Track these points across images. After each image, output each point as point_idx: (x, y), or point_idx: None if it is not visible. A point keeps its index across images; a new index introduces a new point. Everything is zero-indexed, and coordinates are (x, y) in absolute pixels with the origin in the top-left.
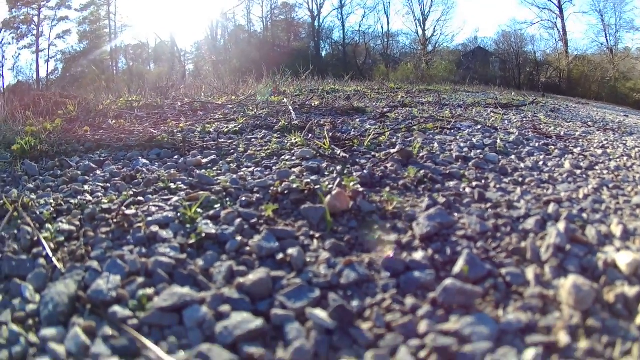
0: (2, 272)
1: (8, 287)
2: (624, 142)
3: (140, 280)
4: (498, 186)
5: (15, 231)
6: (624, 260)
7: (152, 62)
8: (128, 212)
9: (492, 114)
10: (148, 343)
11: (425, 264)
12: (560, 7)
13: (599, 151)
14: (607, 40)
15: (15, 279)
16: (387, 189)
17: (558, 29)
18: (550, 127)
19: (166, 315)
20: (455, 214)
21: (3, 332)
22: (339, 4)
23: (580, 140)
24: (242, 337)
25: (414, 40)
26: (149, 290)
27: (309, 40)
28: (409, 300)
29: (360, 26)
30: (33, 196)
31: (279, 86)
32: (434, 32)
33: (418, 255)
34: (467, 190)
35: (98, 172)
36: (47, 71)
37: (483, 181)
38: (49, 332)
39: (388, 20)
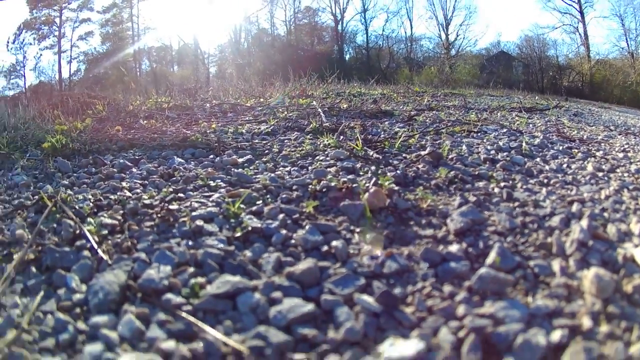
0: (44, 263)
1: (51, 278)
2: None
3: (191, 270)
4: (524, 187)
5: (54, 225)
6: (638, 253)
7: (176, 64)
8: (172, 207)
9: (516, 118)
10: (205, 327)
11: (460, 256)
12: (581, 12)
13: (620, 155)
14: (627, 44)
15: (58, 270)
16: (420, 188)
17: (580, 34)
18: (574, 130)
19: (220, 302)
20: (486, 212)
21: (48, 320)
22: (362, 8)
23: (602, 144)
24: (295, 319)
25: (437, 45)
26: (201, 279)
27: (332, 44)
28: (447, 288)
29: (383, 30)
30: (70, 192)
31: (306, 89)
32: (457, 36)
33: (453, 248)
34: (496, 190)
35: (134, 169)
36: (70, 72)
37: (510, 182)
38: (100, 319)
39: (411, 24)
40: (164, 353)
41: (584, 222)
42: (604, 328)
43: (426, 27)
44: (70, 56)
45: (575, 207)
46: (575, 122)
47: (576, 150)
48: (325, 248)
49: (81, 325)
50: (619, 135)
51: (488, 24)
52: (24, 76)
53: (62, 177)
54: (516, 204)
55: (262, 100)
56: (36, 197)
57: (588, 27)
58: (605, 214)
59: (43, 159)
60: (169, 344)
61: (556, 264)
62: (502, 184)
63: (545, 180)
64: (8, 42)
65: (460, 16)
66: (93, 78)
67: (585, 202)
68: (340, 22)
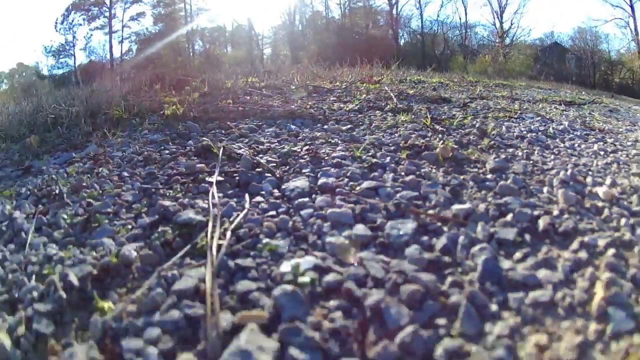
0: (238, 181)
1: (247, 189)
2: None
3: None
4: (540, 154)
5: (231, 162)
6: (601, 191)
7: (230, 45)
8: (318, 151)
9: (554, 109)
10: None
11: (491, 179)
12: (632, 6)
13: (629, 143)
14: None
15: (252, 183)
16: (471, 149)
17: (630, 29)
18: (599, 123)
19: (369, 191)
20: (510, 164)
21: (261, 205)
22: None
23: (619, 135)
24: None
25: (492, 33)
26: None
27: (387, 28)
28: (483, 192)
29: (438, 16)
30: (224, 144)
31: (372, 75)
32: (512, 24)
33: (488, 176)
34: (519, 153)
35: (260, 132)
36: (121, 52)
37: (531, 150)
38: (301, 200)
39: (466, 10)
40: None
41: (569, 171)
42: (564, 218)
43: (481, 14)
44: (122, 36)
45: (569, 167)
46: (606, 116)
47: (592, 137)
48: (418, 173)
49: (285, 205)
50: None
51: (542, 13)
52: (74, 56)
53: (197, 136)
54: (530, 161)
55: (337, 83)
56: (197, 145)
57: (638, 22)
58: (590, 172)
59: (167, 123)
60: None
61: (545, 189)
62: (524, 151)
63: (556, 152)
64: (57, 23)
65: (515, 4)
66: (145, 58)
67: (579, 166)
68: (395, 6)
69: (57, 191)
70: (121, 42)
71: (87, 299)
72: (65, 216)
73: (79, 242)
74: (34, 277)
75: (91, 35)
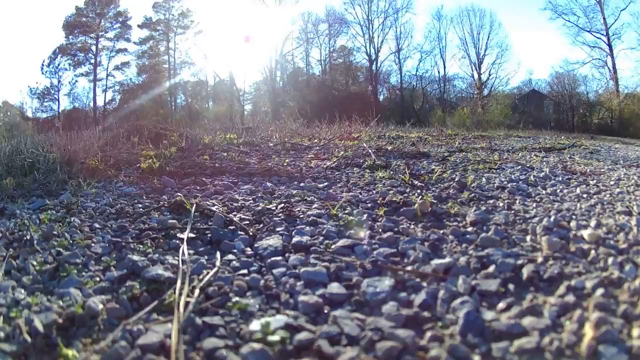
0: (209, 239)
1: (219, 247)
2: None
3: (321, 238)
4: (522, 203)
5: (198, 217)
6: (586, 233)
7: (211, 100)
8: (294, 209)
9: (534, 157)
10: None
11: (472, 232)
12: (609, 44)
13: (612, 182)
14: None
15: (225, 241)
16: (450, 202)
17: (608, 68)
18: (580, 165)
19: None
20: (491, 215)
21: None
22: (395, 48)
23: (601, 176)
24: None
25: (470, 85)
26: (328, 241)
27: (366, 84)
28: (463, 245)
29: (417, 70)
30: (196, 200)
31: (351, 132)
32: (490, 75)
33: (469, 229)
34: (500, 204)
35: (235, 189)
36: (105, 101)
37: (512, 200)
38: (274, 259)
39: (444, 64)
40: None
41: (552, 217)
42: (549, 264)
43: (459, 67)
44: (106, 85)
45: (552, 213)
46: (587, 158)
47: (574, 181)
48: (395, 229)
49: (257, 263)
50: (622, 168)
51: (520, 61)
52: (58, 100)
53: (172, 191)
54: (512, 211)
55: (316, 141)
56: (171, 200)
57: (616, 60)
58: (574, 216)
59: (142, 176)
60: None
61: (528, 237)
62: (505, 201)
63: (538, 199)
64: (43, 65)
65: (492, 55)
66: (128, 108)
67: (562, 211)
68: (374, 62)
69: (28, 237)
70: (105, 90)
71: (51, 345)
72: (35, 263)
73: (47, 290)
74: (1, 318)
75: (76, 81)
